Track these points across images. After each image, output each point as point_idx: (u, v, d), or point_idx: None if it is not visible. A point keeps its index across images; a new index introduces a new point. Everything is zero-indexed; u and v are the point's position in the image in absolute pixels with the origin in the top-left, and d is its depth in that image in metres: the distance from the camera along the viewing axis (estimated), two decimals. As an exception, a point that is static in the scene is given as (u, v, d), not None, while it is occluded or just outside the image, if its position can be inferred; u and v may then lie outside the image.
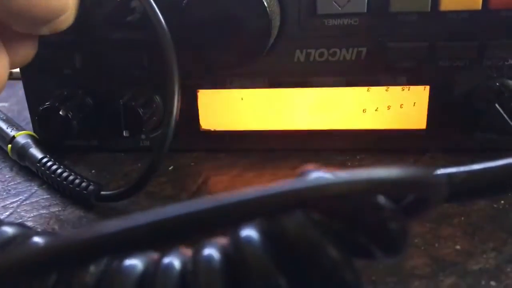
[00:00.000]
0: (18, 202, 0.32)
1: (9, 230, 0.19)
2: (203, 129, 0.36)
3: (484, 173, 0.16)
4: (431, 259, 0.25)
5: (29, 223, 0.30)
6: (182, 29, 0.30)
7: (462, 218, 0.28)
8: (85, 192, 0.31)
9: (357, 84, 0.34)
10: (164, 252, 0.17)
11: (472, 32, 0.32)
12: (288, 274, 0.15)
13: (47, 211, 0.31)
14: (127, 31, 0.33)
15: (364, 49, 0.33)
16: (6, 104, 0.46)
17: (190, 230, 0.13)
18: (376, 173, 0.13)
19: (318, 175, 0.14)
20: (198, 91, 0.35)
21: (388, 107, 0.34)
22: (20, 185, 0.34)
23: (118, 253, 0.16)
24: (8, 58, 0.27)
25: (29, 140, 0.35)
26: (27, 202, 0.32)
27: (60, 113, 0.33)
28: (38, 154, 0.34)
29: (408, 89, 0.34)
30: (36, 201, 0.32)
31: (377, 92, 0.34)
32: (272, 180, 0.32)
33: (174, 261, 0.17)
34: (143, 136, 0.37)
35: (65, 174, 0.32)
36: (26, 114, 0.38)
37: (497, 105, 0.32)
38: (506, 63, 0.32)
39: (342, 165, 0.35)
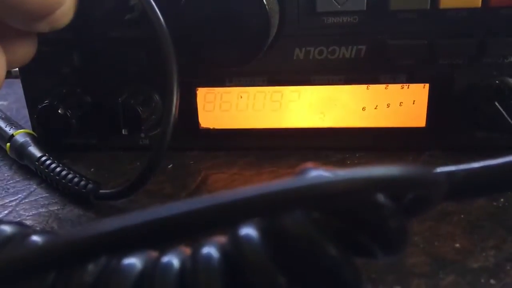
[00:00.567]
0: (17, 201, 0.32)
1: (7, 229, 0.19)
2: (202, 127, 0.36)
3: (484, 171, 0.16)
4: (430, 257, 0.25)
5: (28, 222, 0.30)
6: (181, 27, 0.30)
7: (462, 216, 0.28)
8: (84, 190, 0.31)
9: (356, 82, 0.34)
10: (163, 250, 0.17)
11: (472, 30, 0.32)
12: (288, 272, 0.15)
13: (46, 210, 0.31)
14: (126, 30, 0.33)
15: (363, 47, 0.33)
16: (4, 103, 0.46)
17: (189, 228, 0.13)
18: (376, 171, 0.13)
19: (317, 173, 0.14)
20: (197, 90, 0.35)
21: (388, 105, 0.34)
22: (19, 184, 0.34)
23: (116, 252, 0.16)
24: (5, 57, 0.26)
25: (27, 139, 0.35)
26: (26, 200, 0.32)
27: (59, 111, 0.33)
28: (37, 153, 0.34)
29: (408, 87, 0.34)
30: (35, 200, 0.32)
31: (377, 90, 0.34)
32: (271, 178, 0.32)
33: (173, 259, 0.17)
34: (142, 135, 0.37)
35: (64, 173, 0.32)
36: (25, 112, 0.38)
37: (496, 103, 0.32)
38: (506, 61, 0.32)
39: (342, 163, 0.35)
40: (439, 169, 0.16)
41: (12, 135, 0.36)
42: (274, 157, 0.35)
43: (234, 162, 0.35)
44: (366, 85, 0.34)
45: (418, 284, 0.24)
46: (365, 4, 0.32)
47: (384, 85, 0.34)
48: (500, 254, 0.25)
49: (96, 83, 0.35)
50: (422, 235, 0.27)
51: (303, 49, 0.33)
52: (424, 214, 0.16)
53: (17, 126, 0.37)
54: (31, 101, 0.37)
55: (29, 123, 0.38)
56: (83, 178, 0.32)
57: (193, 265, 0.16)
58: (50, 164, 0.33)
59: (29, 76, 0.36)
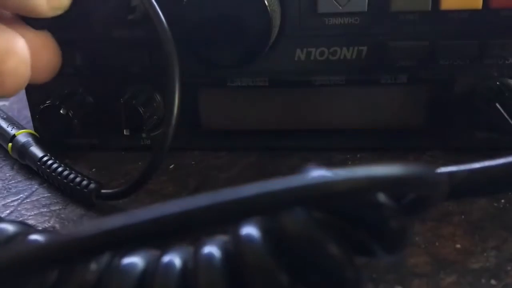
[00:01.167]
0: (19, 201, 0.32)
1: (10, 228, 0.19)
2: (203, 127, 0.36)
3: (485, 171, 0.16)
4: (431, 258, 0.25)
5: (30, 222, 0.30)
6: (183, 27, 0.30)
7: (463, 217, 0.28)
8: (85, 190, 0.31)
9: (357, 83, 0.34)
10: (165, 249, 0.17)
11: (473, 31, 0.32)
12: (289, 271, 0.15)
13: (48, 210, 0.31)
14: (128, 30, 0.33)
15: (364, 48, 0.33)
16: (6, 103, 0.46)
17: (191, 226, 0.13)
18: (377, 171, 0.13)
19: (319, 172, 0.14)
20: (199, 90, 0.35)
21: (389, 106, 0.34)
22: (21, 184, 0.34)
23: (118, 249, 0.16)
24: (23, 40, 0.27)
25: (29, 139, 0.35)
26: (28, 200, 0.32)
27: (61, 111, 0.33)
28: (39, 153, 0.34)
29: (409, 88, 0.34)
30: (37, 200, 0.32)
31: (378, 91, 0.34)
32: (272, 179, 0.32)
33: (174, 258, 0.17)
34: (143, 135, 0.37)
35: (65, 173, 0.32)
36: (27, 112, 0.38)
37: (497, 104, 0.32)
38: (506, 62, 0.32)
39: (343, 164, 0.35)
40: (440, 169, 0.16)
41: (14, 135, 0.36)
42: (275, 157, 0.35)
43: (236, 163, 0.35)
44: (367, 86, 0.34)
45: (419, 284, 0.24)
46: (366, 5, 0.32)
47: (385, 86, 0.34)
48: (501, 255, 0.25)
49: (98, 83, 0.35)
50: (423, 235, 0.27)
51: (305, 50, 0.34)
52: (425, 214, 0.16)
53: (19, 126, 0.37)
54: (33, 101, 0.37)
55: (31, 124, 0.38)
56: (85, 178, 0.32)
57: (195, 264, 0.16)
58: (52, 164, 0.33)
59: (31, 76, 0.36)
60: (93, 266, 0.17)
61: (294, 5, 0.32)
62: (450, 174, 0.16)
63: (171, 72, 0.29)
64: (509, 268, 0.24)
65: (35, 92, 0.36)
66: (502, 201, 0.29)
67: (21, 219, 0.30)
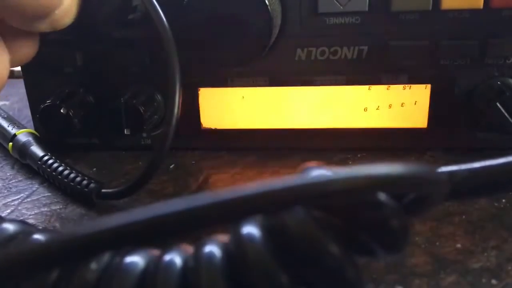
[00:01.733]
0: (19, 200, 0.32)
1: (10, 227, 0.19)
2: (204, 127, 0.36)
3: (485, 171, 0.16)
4: (432, 258, 0.25)
5: (30, 221, 0.30)
6: (183, 27, 0.30)
7: (463, 217, 0.28)
8: (86, 190, 0.31)
9: (358, 83, 0.34)
10: (165, 249, 0.17)
11: (474, 31, 0.32)
12: (290, 271, 0.15)
13: (48, 209, 0.31)
14: (129, 30, 0.33)
15: (365, 48, 0.33)
16: (7, 102, 0.46)
17: (191, 225, 0.13)
18: (377, 170, 0.13)
19: (319, 171, 0.14)
20: (199, 90, 0.35)
21: (389, 106, 0.34)
22: (21, 183, 0.34)
23: (118, 248, 0.16)
24: (8, 56, 0.27)
25: (30, 138, 0.35)
26: (28, 200, 0.32)
27: (61, 111, 0.33)
28: (39, 152, 0.34)
29: (410, 88, 0.34)
30: (37, 199, 0.32)
31: (379, 91, 0.34)
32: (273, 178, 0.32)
33: (175, 258, 0.17)
34: (144, 135, 0.37)
35: (66, 172, 0.32)
36: (27, 112, 0.38)
37: (498, 104, 0.32)
38: (507, 62, 0.32)
39: (343, 164, 0.35)
40: (441, 169, 0.16)
41: (15, 135, 0.36)
42: (275, 157, 0.36)
43: (236, 162, 0.35)
44: (368, 86, 0.34)
45: (419, 284, 0.24)
46: (367, 5, 0.32)
47: (385, 86, 0.34)
48: (502, 255, 0.25)
49: (98, 83, 0.36)
50: (423, 235, 0.27)
51: (305, 50, 0.34)
52: (426, 213, 0.16)
53: (20, 126, 0.37)
54: (34, 100, 0.37)
55: (32, 123, 0.38)
56: (85, 178, 0.32)
57: (196, 263, 0.16)
58: (53, 163, 0.33)
59: (32, 76, 0.36)
60: (94, 265, 0.17)
61: (295, 5, 0.32)
62: (451, 173, 0.16)
63: (171, 72, 0.29)
64: (509, 267, 0.24)
65: (36, 92, 0.36)
66: (503, 200, 0.29)
67: (21, 218, 0.30)
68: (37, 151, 0.34)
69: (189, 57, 0.31)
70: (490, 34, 0.32)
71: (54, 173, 0.33)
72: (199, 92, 0.35)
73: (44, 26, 0.26)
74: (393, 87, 0.34)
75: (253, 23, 0.30)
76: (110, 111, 0.35)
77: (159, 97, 0.35)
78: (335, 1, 0.32)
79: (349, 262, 0.15)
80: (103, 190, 0.31)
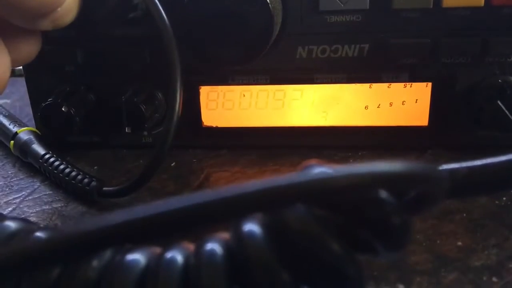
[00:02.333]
0: (21, 198, 0.32)
1: (12, 224, 0.19)
2: (205, 125, 0.36)
3: (486, 169, 0.16)
4: (433, 255, 0.25)
5: (32, 219, 0.30)
6: (184, 25, 0.30)
7: (464, 215, 0.28)
8: (87, 188, 0.31)
9: (359, 81, 0.34)
10: (167, 246, 0.17)
11: (475, 28, 0.32)
12: (291, 268, 0.15)
13: (50, 207, 0.31)
14: (130, 28, 0.33)
15: (366, 46, 0.33)
16: (8, 101, 0.46)
17: (192, 222, 0.13)
18: (378, 167, 0.13)
19: (320, 169, 0.14)
20: (200, 88, 0.35)
21: (390, 104, 0.34)
22: (23, 181, 0.34)
23: (119, 245, 0.16)
24: (9, 57, 0.27)
25: (31, 136, 0.35)
26: (30, 198, 0.32)
27: (63, 109, 0.33)
28: (41, 150, 0.34)
29: (410, 86, 0.34)
30: (39, 197, 0.32)
31: (379, 89, 0.34)
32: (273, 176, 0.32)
33: (176, 255, 0.17)
34: (145, 133, 0.37)
35: (67, 170, 0.32)
36: (29, 110, 0.38)
37: (499, 102, 0.32)
38: (508, 59, 0.32)
39: (344, 162, 0.35)
40: (442, 167, 0.16)
41: (16, 133, 0.36)
42: (276, 155, 0.36)
43: (237, 160, 0.35)
44: (369, 84, 0.34)
45: (420, 281, 0.24)
46: (368, 3, 0.32)
47: (386, 84, 0.34)
48: (502, 252, 0.25)
49: (99, 81, 0.36)
50: (424, 233, 0.27)
51: (306, 48, 0.34)
52: (427, 211, 0.16)
53: (21, 124, 0.37)
54: (35, 99, 0.37)
55: (33, 121, 0.38)
56: (87, 176, 0.32)
57: (197, 261, 0.16)
58: (54, 161, 0.33)
59: (33, 74, 0.36)
60: (95, 262, 0.17)
61: (296, 3, 0.32)
62: (451, 171, 0.16)
63: (172, 70, 0.29)
64: (510, 265, 0.24)
65: (37, 90, 0.36)
66: (504, 198, 0.29)
67: (23, 216, 0.30)
68: (39, 149, 0.34)
69: (190, 55, 0.31)
70: (491, 32, 0.32)
71: (55, 171, 0.33)
72: (200, 90, 0.35)
73: (46, 24, 0.26)
74: (394, 85, 0.34)
75: (254, 21, 0.30)
76: (111, 109, 0.35)
77: (160, 95, 0.35)
78: (336, -1, 0.32)
79: (350, 259, 0.15)
80: (104, 188, 0.31)
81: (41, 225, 0.29)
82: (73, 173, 0.32)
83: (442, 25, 0.32)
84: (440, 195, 0.15)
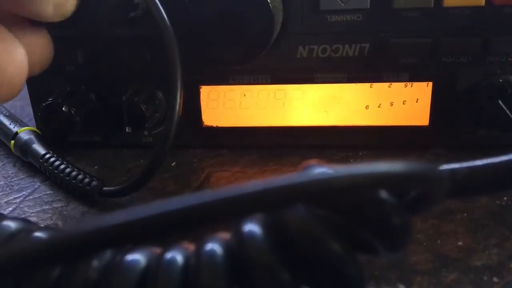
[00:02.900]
0: (21, 198, 0.32)
1: (12, 225, 0.19)
2: (205, 125, 0.36)
3: (487, 169, 0.16)
4: (433, 255, 0.25)
5: (32, 219, 0.30)
6: (185, 25, 0.30)
7: (465, 215, 0.28)
8: (88, 187, 0.31)
9: (360, 80, 0.34)
10: (167, 247, 0.17)
11: (475, 28, 0.32)
12: (291, 268, 0.15)
13: (50, 207, 0.31)
14: (130, 28, 0.33)
15: (367, 45, 0.33)
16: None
17: (192, 223, 0.13)
18: (379, 168, 0.13)
19: (321, 170, 0.14)
20: (201, 87, 0.35)
21: (391, 104, 0.34)
22: (23, 181, 0.34)
23: (120, 245, 0.16)
24: (23, 49, 0.26)
25: (32, 136, 0.35)
26: (30, 197, 0.32)
27: (63, 109, 0.33)
28: (41, 150, 0.34)
29: (411, 86, 0.34)
30: (39, 197, 0.32)
31: (380, 89, 0.34)
32: (274, 176, 0.32)
33: (176, 256, 0.17)
34: (145, 132, 0.37)
35: (68, 170, 0.32)
36: (29, 110, 0.38)
37: (500, 101, 0.32)
38: (509, 59, 0.32)
39: (345, 162, 0.35)
40: (443, 167, 0.16)
41: (17, 133, 0.36)
42: (277, 155, 0.36)
43: (237, 160, 0.35)
44: (370, 83, 0.34)
45: (420, 281, 0.24)
46: (368, 3, 0.32)
47: (387, 84, 0.34)
48: (503, 252, 0.25)
49: (100, 80, 0.36)
50: (425, 233, 0.27)
51: (307, 47, 0.33)
52: (427, 211, 0.16)
53: (22, 124, 0.37)
54: (36, 98, 0.37)
55: (33, 121, 0.38)
56: (87, 175, 0.32)
57: (197, 261, 0.16)
58: (54, 161, 0.33)
59: (34, 73, 0.36)
60: (95, 263, 0.17)
61: (297, 2, 0.32)
62: (452, 171, 0.16)
63: (173, 70, 0.29)
64: (511, 265, 0.24)
65: (38, 90, 0.36)
66: (505, 198, 0.29)
67: (23, 216, 0.30)
68: (39, 149, 0.34)
69: (190, 54, 0.31)
70: (491, 32, 0.31)
71: (56, 171, 0.33)
72: (201, 90, 0.35)
73: (49, 10, 0.26)
74: (395, 84, 0.34)
75: (254, 21, 0.30)
76: (112, 109, 0.35)
77: (160, 95, 0.35)
78: (337, -1, 0.32)
79: (351, 259, 0.15)
80: (104, 188, 0.31)
81: (42, 225, 0.29)
82: (74, 173, 0.32)
83: (442, 24, 0.32)
84: (441, 195, 0.15)
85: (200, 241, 0.17)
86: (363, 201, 0.14)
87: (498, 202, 0.29)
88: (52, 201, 0.32)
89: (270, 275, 0.15)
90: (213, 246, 0.16)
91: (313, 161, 0.15)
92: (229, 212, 0.13)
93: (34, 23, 0.29)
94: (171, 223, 0.13)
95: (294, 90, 0.35)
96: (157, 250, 0.17)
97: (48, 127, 0.34)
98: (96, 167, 0.35)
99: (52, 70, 0.35)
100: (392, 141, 0.35)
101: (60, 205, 0.31)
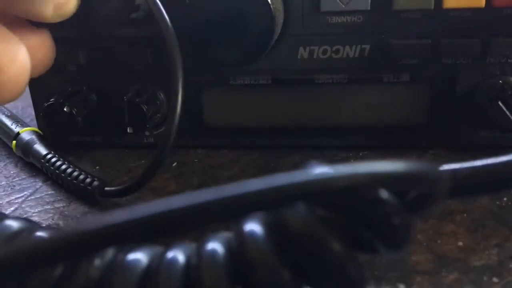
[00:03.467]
0: (23, 198, 0.32)
1: (14, 224, 0.19)
2: (206, 125, 0.37)
3: (487, 169, 0.16)
4: (433, 255, 0.25)
5: (34, 219, 0.30)
6: (186, 26, 0.30)
7: (465, 215, 0.28)
8: (89, 188, 0.31)
9: (360, 81, 0.34)
10: (168, 246, 0.17)
11: (475, 29, 0.32)
12: (292, 267, 0.15)
13: (52, 207, 0.31)
14: (132, 28, 0.34)
15: (367, 46, 0.33)
16: (10, 101, 0.46)
17: (193, 221, 0.13)
18: (379, 167, 0.13)
19: (321, 169, 0.14)
20: (202, 88, 0.36)
21: (391, 104, 0.34)
22: (25, 181, 0.34)
23: (122, 244, 0.16)
24: (25, 48, 0.26)
25: (33, 136, 0.36)
26: (32, 197, 0.32)
27: (65, 109, 0.33)
28: (43, 150, 0.34)
29: (412, 86, 0.34)
30: (41, 197, 0.32)
31: (380, 89, 0.34)
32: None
33: (178, 255, 0.17)
34: (147, 133, 0.37)
35: (69, 170, 0.32)
36: (31, 110, 0.38)
37: (499, 102, 0.32)
38: (509, 60, 0.32)
39: (345, 162, 0.35)
40: (443, 166, 0.16)
41: (18, 133, 0.36)
42: (277, 155, 0.36)
43: (238, 160, 0.35)
44: (370, 84, 0.34)
45: (421, 281, 0.24)
46: (369, 4, 0.32)
47: (387, 84, 0.34)
48: (503, 253, 0.25)
49: (101, 81, 0.36)
50: (425, 233, 0.27)
51: (307, 48, 0.34)
52: (427, 211, 0.16)
53: (23, 124, 0.38)
54: (37, 99, 0.37)
55: (35, 121, 0.38)
56: (88, 176, 0.32)
57: (198, 260, 0.16)
58: (56, 161, 0.33)
59: (35, 74, 0.36)
60: (97, 262, 0.17)
61: (297, 4, 0.32)
62: (453, 171, 0.16)
63: (174, 71, 0.29)
64: (511, 266, 0.24)
65: (39, 90, 0.37)
66: (505, 199, 0.29)
67: (25, 216, 0.30)
68: (41, 149, 0.34)
69: (191, 55, 0.31)
70: (492, 33, 0.32)
71: (57, 171, 0.33)
72: (202, 91, 0.36)
73: (49, 11, 0.26)
74: (395, 85, 0.34)
75: (255, 22, 0.30)
76: (113, 110, 0.35)
77: (161, 95, 0.35)
78: (337, 0, 0.32)
79: (351, 259, 0.15)
80: (106, 188, 0.31)
81: (43, 225, 0.29)
82: (75, 173, 0.32)
83: (443, 25, 0.32)
84: (441, 195, 0.16)
85: (201, 241, 0.17)
86: (364, 200, 0.15)
87: (498, 202, 0.29)
88: (53, 201, 0.32)
89: (271, 275, 0.15)
90: (215, 246, 0.16)
91: (313, 161, 0.16)
92: (230, 211, 0.13)
93: (35, 24, 0.29)
94: (171, 222, 0.13)
95: (295, 90, 0.35)
96: (158, 249, 0.17)
97: (50, 128, 0.34)
98: (97, 167, 0.35)
99: (54, 70, 0.35)
100: (393, 142, 0.35)
101: (61, 205, 0.31)
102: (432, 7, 0.31)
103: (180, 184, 0.33)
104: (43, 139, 0.36)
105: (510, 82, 0.32)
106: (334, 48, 0.33)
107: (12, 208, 0.31)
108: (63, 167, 0.33)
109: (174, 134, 0.29)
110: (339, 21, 0.32)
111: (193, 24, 0.31)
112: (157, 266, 0.17)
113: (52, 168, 0.33)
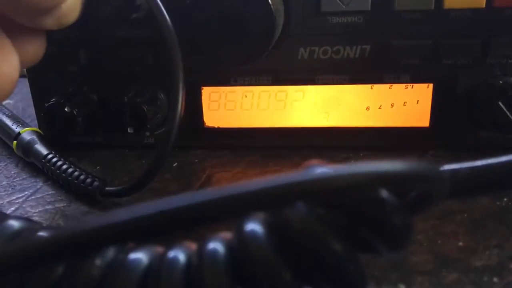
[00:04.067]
0: (24, 198, 0.32)
1: (15, 224, 0.19)
2: (207, 126, 0.37)
3: (487, 169, 0.16)
4: (434, 256, 0.25)
5: (35, 219, 0.30)
6: (186, 26, 0.30)
7: (465, 215, 0.28)
8: (90, 188, 0.31)
9: (360, 82, 0.34)
10: (169, 246, 0.17)
11: (476, 30, 0.32)
12: (293, 268, 0.15)
13: (52, 207, 0.31)
14: (132, 29, 0.34)
15: (368, 47, 0.33)
16: (11, 101, 0.46)
17: (194, 221, 0.13)
18: (380, 167, 0.13)
19: (322, 169, 0.14)
20: (202, 88, 0.36)
21: (392, 105, 0.34)
22: (26, 181, 0.34)
23: (122, 243, 0.16)
24: (17, 56, 0.26)
25: (34, 137, 0.36)
26: (33, 197, 0.32)
27: (65, 109, 0.34)
28: (43, 150, 0.34)
29: (412, 87, 0.34)
30: (42, 197, 0.32)
31: (381, 90, 0.34)
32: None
33: (179, 255, 0.17)
34: (147, 133, 0.37)
35: (70, 170, 0.32)
36: (31, 110, 0.38)
37: (500, 103, 0.32)
38: (509, 61, 0.32)
39: (345, 162, 0.35)
40: (443, 166, 0.16)
41: (19, 133, 0.36)
42: (278, 156, 0.36)
43: (239, 161, 0.36)
44: (370, 85, 0.34)
45: (421, 282, 0.24)
46: (369, 4, 0.32)
47: (388, 85, 0.34)
48: (503, 253, 0.25)
49: (102, 81, 0.36)
50: (425, 234, 0.27)
51: (308, 49, 0.34)
52: (428, 211, 0.16)
53: (24, 124, 0.38)
54: (38, 99, 0.37)
55: (36, 122, 0.38)
56: (89, 176, 0.32)
57: (199, 260, 0.16)
58: (57, 161, 0.33)
59: (36, 74, 0.36)
60: (98, 261, 0.17)
61: (298, 4, 0.32)
62: (453, 171, 0.16)
63: (175, 71, 0.29)
64: (511, 266, 0.24)
65: (40, 90, 0.37)
66: (505, 199, 0.29)
67: (26, 216, 0.30)
68: (41, 149, 0.35)
69: (192, 56, 0.31)
70: (492, 34, 0.32)
71: (58, 171, 0.33)
72: (202, 91, 0.36)
73: (50, 22, 0.26)
74: (396, 86, 0.34)
75: (256, 22, 0.30)
76: (114, 110, 0.35)
77: (162, 96, 0.35)
78: (338, 0, 0.32)
79: (352, 259, 0.15)
80: (106, 188, 0.31)
81: (44, 225, 0.29)
82: (76, 173, 0.32)
83: (443, 26, 0.32)
84: (441, 195, 0.16)
85: (202, 240, 0.17)
86: (364, 200, 0.15)
87: (498, 203, 0.29)
88: (54, 201, 0.32)
89: (272, 275, 0.15)
90: (215, 245, 0.16)
91: (314, 161, 0.16)
92: (231, 210, 0.13)
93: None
94: (171, 222, 0.13)
95: (295, 91, 0.35)
96: (159, 249, 0.17)
97: (50, 128, 0.34)
98: (98, 167, 0.36)
99: (55, 71, 0.35)
100: (393, 143, 0.35)
101: (62, 205, 0.31)
102: (433, 7, 0.31)
103: (180, 185, 0.33)
104: (43, 139, 0.36)
105: (510, 83, 0.32)
106: (334, 49, 0.34)
107: (13, 208, 0.31)
108: (64, 167, 0.33)
109: (174, 135, 0.29)
110: (340, 21, 0.33)
111: (193, 24, 0.31)
112: (158, 266, 0.17)
113: (52, 168, 0.33)
